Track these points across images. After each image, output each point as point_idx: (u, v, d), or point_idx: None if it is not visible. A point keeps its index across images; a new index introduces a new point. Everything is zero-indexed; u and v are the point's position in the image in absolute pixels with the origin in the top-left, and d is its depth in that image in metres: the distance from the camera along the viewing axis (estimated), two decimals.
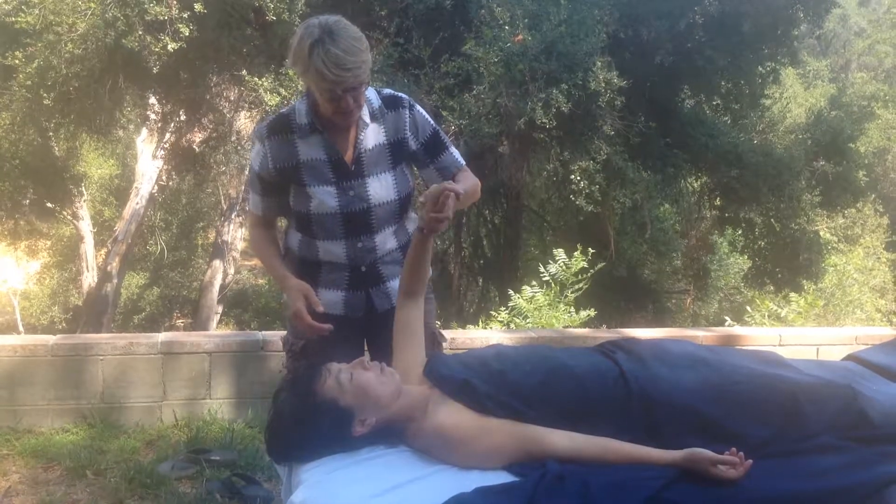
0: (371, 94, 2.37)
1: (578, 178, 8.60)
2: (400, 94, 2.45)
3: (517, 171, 9.92)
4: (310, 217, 2.39)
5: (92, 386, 4.12)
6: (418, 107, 2.45)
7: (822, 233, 13.51)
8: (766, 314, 8.09)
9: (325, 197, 2.36)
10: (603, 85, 8.01)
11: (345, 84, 2.15)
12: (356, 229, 2.39)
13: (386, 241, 2.44)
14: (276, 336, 4.43)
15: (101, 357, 4.12)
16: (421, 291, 2.30)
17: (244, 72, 8.41)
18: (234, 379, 4.30)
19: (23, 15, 7.87)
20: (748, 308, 8.76)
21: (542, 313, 6.42)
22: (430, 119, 2.47)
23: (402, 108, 2.40)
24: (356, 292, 2.46)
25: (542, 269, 6.78)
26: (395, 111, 2.40)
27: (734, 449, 1.76)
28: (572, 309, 6.57)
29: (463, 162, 2.50)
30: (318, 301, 2.32)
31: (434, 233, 2.19)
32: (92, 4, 7.75)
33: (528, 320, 6.48)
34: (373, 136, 2.37)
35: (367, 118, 2.34)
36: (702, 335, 4.94)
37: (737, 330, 5.87)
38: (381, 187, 2.38)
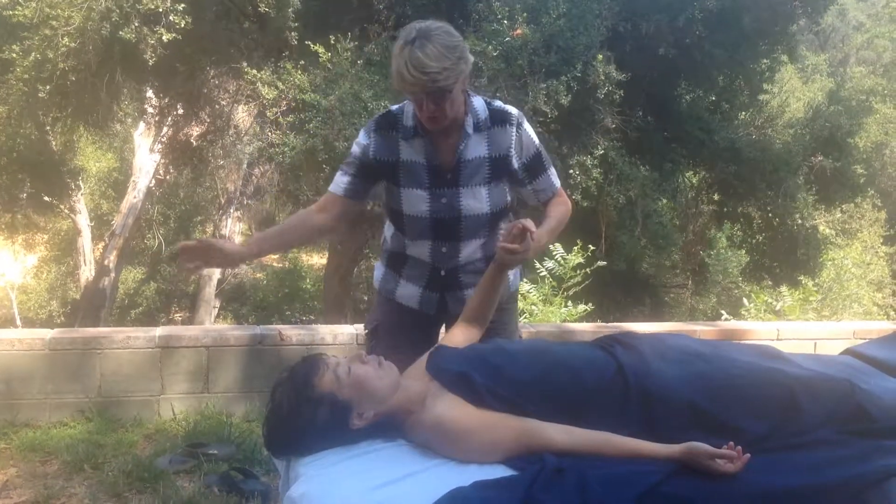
0: (479, 105, 2.39)
1: (577, 172, 8.59)
2: (510, 109, 2.43)
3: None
4: (402, 215, 2.45)
5: (90, 380, 4.11)
6: (526, 124, 2.44)
7: (820, 227, 13.51)
8: (763, 308, 8.10)
9: (416, 200, 2.40)
10: (602, 78, 8.00)
11: (423, 87, 2.17)
12: (443, 234, 2.43)
13: (472, 250, 2.46)
14: (273, 330, 4.43)
15: (99, 351, 4.12)
16: (482, 321, 2.35)
17: (244, 64, 8.39)
18: (232, 373, 4.30)
19: (20, 8, 7.85)
20: (745, 301, 8.77)
21: (537, 309, 6.41)
22: (535, 138, 2.45)
23: (509, 124, 2.39)
24: (432, 292, 2.52)
25: (538, 266, 6.76)
26: (502, 127, 2.39)
27: (732, 443, 1.76)
28: (570, 303, 6.56)
29: (559, 185, 2.50)
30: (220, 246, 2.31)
31: (507, 267, 2.27)
32: None
33: (522, 316, 6.48)
34: (474, 147, 2.38)
35: (469, 129, 2.36)
36: (700, 329, 4.94)
37: (735, 324, 5.88)
38: (473, 199, 2.39)
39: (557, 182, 2.49)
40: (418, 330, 2.51)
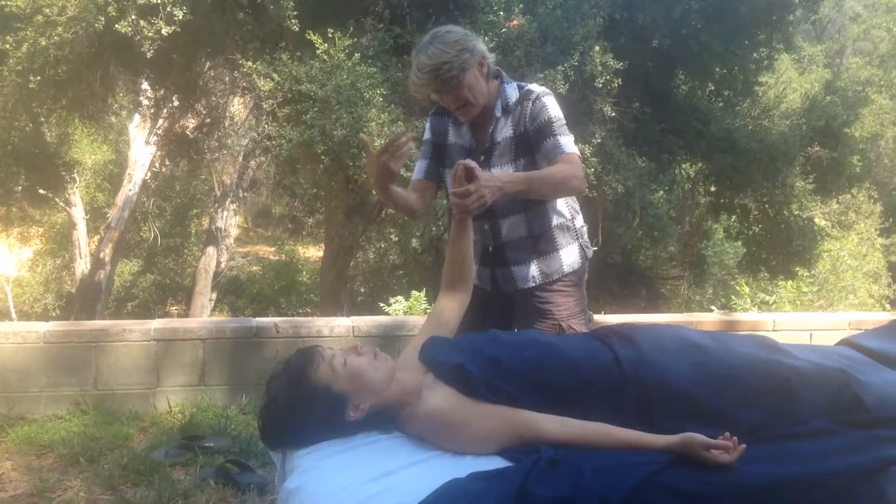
0: (512, 89, 2.54)
1: None
2: (534, 87, 2.54)
3: None
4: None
5: (85, 373, 4.11)
6: (547, 98, 2.51)
7: (816, 219, 13.52)
8: (750, 301, 8.12)
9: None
10: (600, 68, 7.99)
11: (432, 85, 2.40)
12: (483, 213, 2.44)
13: (514, 227, 2.58)
14: (269, 322, 4.43)
15: (95, 344, 4.11)
16: (462, 282, 2.33)
17: (238, 56, 8.36)
18: (228, 365, 4.30)
19: None
20: (733, 297, 8.80)
21: None
22: (552, 110, 2.48)
23: (527, 100, 2.50)
24: (485, 269, 2.66)
25: None
26: (522, 104, 2.51)
27: (728, 433, 1.76)
28: None
29: (569, 150, 2.45)
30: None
31: (464, 215, 2.24)
32: None
33: None
34: (502, 129, 2.53)
35: (498, 112, 2.52)
36: (696, 321, 4.95)
37: (731, 315, 5.88)
38: None
39: (569, 148, 2.46)
40: (480, 304, 2.52)
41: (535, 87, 2.54)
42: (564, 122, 2.51)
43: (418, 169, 2.70)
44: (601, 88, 8.16)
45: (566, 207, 2.63)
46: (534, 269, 2.60)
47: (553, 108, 2.49)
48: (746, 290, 8.51)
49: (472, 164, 2.17)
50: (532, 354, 2.05)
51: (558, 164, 2.43)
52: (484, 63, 2.45)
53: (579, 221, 2.68)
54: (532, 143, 2.49)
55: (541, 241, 2.58)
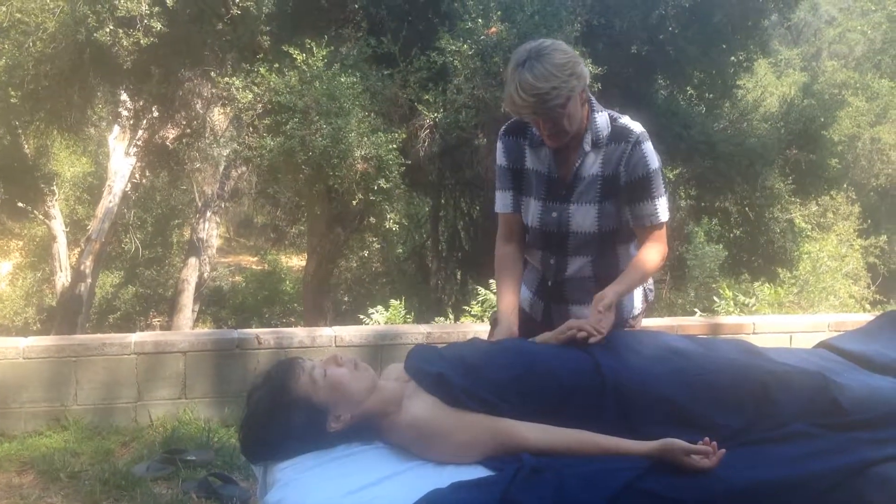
0: (602, 121, 2.33)
1: None
2: (632, 126, 2.34)
3: (490, 164, 9.93)
4: (522, 221, 2.49)
5: (65, 388, 4.07)
6: (647, 145, 2.32)
7: (796, 220, 13.63)
8: (733, 303, 8.17)
9: (531, 209, 2.43)
10: None
11: (533, 109, 2.16)
12: (552, 247, 2.44)
13: (579, 266, 2.44)
14: (251, 334, 4.40)
15: (74, 359, 4.08)
16: None
17: (213, 73, 8.34)
18: (210, 378, 4.27)
19: None
20: (715, 298, 8.85)
21: None
22: (651, 161, 2.33)
23: (625, 142, 2.31)
24: (540, 300, 2.55)
25: None
26: (618, 144, 2.32)
27: (707, 438, 1.77)
28: None
29: (663, 219, 2.36)
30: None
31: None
32: (61, 3, 7.65)
33: None
34: (591, 164, 2.34)
35: (587, 146, 2.32)
36: (678, 325, 4.97)
37: (712, 319, 5.91)
38: (582, 217, 2.36)
39: (663, 215, 2.35)
40: (526, 331, 2.43)
41: (633, 126, 2.34)
42: (661, 171, 2.38)
43: (504, 202, 2.50)
44: None
45: (636, 250, 2.46)
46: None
47: (652, 159, 2.32)
48: (729, 293, 8.56)
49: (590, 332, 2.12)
50: (513, 362, 2.05)
51: (650, 246, 2.35)
52: (585, 90, 2.26)
53: None
54: (623, 192, 2.33)
55: (605, 285, 2.33)
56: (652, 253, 2.36)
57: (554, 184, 2.37)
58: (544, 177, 2.39)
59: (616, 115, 2.38)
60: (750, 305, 8.16)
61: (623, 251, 2.46)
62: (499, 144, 2.49)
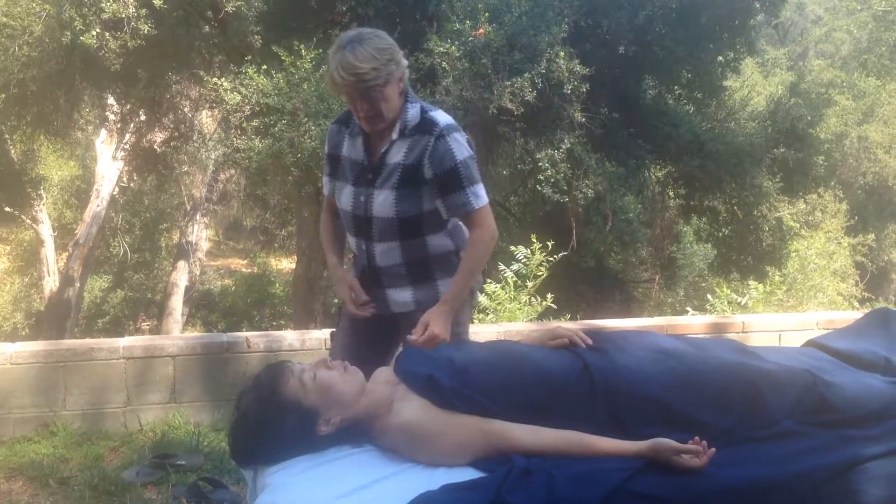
0: (414, 112, 2.40)
1: (547, 164, 8.59)
2: (439, 119, 2.40)
3: (482, 165, 9.91)
4: (338, 207, 2.57)
5: (54, 393, 4.04)
6: (452, 138, 2.38)
7: (784, 219, 13.68)
8: (727, 301, 8.19)
9: (343, 194, 2.51)
10: (566, 74, 8.04)
11: (353, 88, 2.24)
12: (361, 232, 2.50)
13: (388, 253, 2.49)
14: (241, 337, 4.39)
15: (63, 364, 4.05)
16: None
17: (202, 73, 8.32)
18: (200, 382, 4.25)
19: None
20: (708, 296, 8.87)
21: (504, 308, 6.43)
22: (458, 153, 2.37)
23: (429, 134, 2.37)
24: (363, 285, 2.59)
25: (501, 266, 6.78)
26: (423, 136, 2.38)
27: (697, 438, 1.78)
28: (534, 300, 6.60)
29: (478, 205, 2.40)
30: (362, 292, 2.53)
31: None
32: (47, 6, 7.61)
33: (489, 316, 6.49)
34: (395, 152, 2.41)
35: (395, 134, 2.39)
36: (667, 324, 4.98)
37: (701, 318, 5.92)
38: (383, 202, 2.42)
39: (478, 202, 2.40)
40: (363, 323, 2.58)
41: (440, 118, 2.41)
42: (472, 161, 2.41)
43: (327, 187, 2.62)
44: (569, 95, 8.21)
45: (449, 239, 2.51)
46: (408, 296, 2.53)
47: (460, 151, 2.38)
48: (727, 291, 8.58)
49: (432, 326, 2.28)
50: (503, 364, 2.06)
51: (472, 233, 2.43)
52: (402, 79, 2.33)
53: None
54: (433, 185, 2.38)
55: (416, 270, 2.49)
56: (476, 247, 2.44)
57: (362, 170, 2.46)
58: (357, 164, 2.48)
59: (429, 107, 2.45)
60: (742, 303, 8.18)
61: (433, 241, 2.49)
62: (329, 132, 2.61)
